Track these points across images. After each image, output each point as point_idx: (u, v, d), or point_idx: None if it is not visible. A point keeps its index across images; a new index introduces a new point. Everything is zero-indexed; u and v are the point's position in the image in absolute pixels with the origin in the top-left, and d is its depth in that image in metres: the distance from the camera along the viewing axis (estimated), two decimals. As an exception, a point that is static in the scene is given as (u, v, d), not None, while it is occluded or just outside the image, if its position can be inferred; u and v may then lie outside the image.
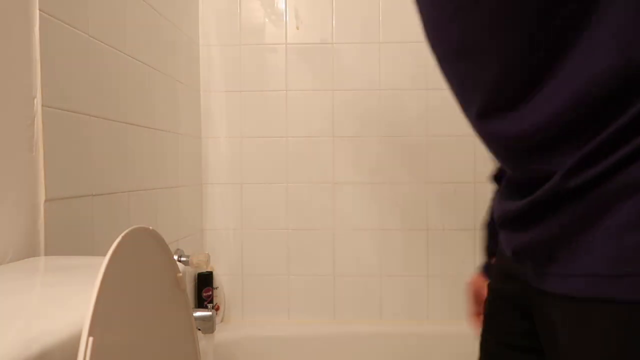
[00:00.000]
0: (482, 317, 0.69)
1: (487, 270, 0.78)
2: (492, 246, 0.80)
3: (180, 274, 0.63)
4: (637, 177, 0.41)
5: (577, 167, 0.43)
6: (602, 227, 0.42)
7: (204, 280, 1.61)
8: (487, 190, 1.76)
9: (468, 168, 1.64)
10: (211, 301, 1.63)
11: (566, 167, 0.44)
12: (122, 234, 0.47)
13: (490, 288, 0.68)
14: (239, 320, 1.71)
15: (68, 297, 0.54)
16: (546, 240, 0.47)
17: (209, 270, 1.62)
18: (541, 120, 0.44)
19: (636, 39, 0.40)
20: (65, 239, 0.88)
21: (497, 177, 0.76)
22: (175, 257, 1.39)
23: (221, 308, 1.68)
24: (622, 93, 0.41)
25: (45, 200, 0.83)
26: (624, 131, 0.41)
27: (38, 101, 0.81)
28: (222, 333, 1.59)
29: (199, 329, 1.36)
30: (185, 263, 1.39)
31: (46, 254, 0.83)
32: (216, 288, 1.65)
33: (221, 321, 1.69)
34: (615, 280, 0.41)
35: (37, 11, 0.81)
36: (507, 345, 0.63)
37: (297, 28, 1.67)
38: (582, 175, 0.43)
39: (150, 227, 0.54)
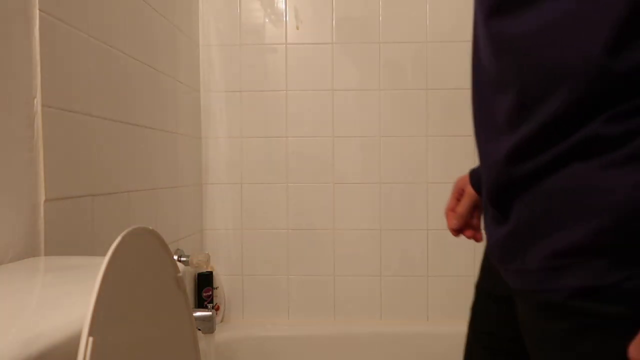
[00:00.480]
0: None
1: (473, 174, 0.77)
2: None
3: (180, 274, 0.63)
4: (581, 178, 0.42)
5: (517, 155, 0.46)
6: (542, 226, 0.45)
7: (204, 280, 1.61)
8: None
9: (468, 168, 1.64)
10: (211, 301, 1.63)
11: (506, 151, 0.46)
12: (122, 234, 0.47)
13: (476, 287, 0.71)
14: (239, 320, 1.71)
15: (68, 297, 0.54)
16: (503, 236, 0.50)
17: (209, 270, 1.62)
18: (540, 23, 0.44)
19: None
20: (65, 239, 0.88)
21: None
22: (175, 257, 1.39)
23: (221, 308, 1.68)
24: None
25: (45, 200, 0.83)
26: (571, 119, 0.42)
27: (38, 101, 0.81)
28: (222, 333, 1.59)
29: (199, 329, 1.36)
30: (185, 263, 1.40)
31: (46, 254, 0.83)
32: (216, 288, 1.65)
33: (221, 321, 1.69)
34: (549, 275, 0.44)
35: (37, 11, 0.81)
36: (483, 341, 0.67)
37: (297, 28, 1.67)
38: (524, 167, 0.45)
39: (150, 227, 0.54)
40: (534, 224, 0.45)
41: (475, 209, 0.74)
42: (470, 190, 0.74)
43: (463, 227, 0.74)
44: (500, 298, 0.60)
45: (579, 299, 0.42)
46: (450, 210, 0.76)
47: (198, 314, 1.36)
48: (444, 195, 1.64)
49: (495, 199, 0.50)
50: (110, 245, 0.45)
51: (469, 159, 1.64)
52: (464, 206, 0.74)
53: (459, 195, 0.76)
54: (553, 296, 0.44)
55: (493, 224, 0.53)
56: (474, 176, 0.75)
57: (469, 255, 1.65)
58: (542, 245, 0.44)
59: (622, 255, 0.40)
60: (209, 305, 1.62)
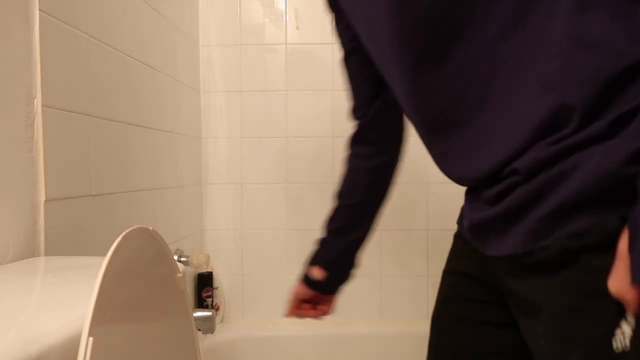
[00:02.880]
0: (439, 299, 0.78)
1: (303, 276, 0.92)
2: (315, 257, 0.92)
3: (180, 274, 0.63)
4: (562, 172, 0.48)
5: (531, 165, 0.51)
6: (534, 207, 0.50)
7: (204, 280, 1.61)
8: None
9: (468, 168, 1.64)
10: (211, 301, 1.63)
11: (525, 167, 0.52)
12: (122, 234, 0.47)
13: (447, 272, 0.75)
14: (239, 320, 1.71)
15: (68, 297, 0.54)
16: (499, 215, 0.54)
17: (209, 270, 1.62)
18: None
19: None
20: (65, 239, 0.88)
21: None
22: (175, 257, 1.39)
23: (221, 308, 1.68)
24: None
25: (45, 200, 0.83)
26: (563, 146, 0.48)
27: (38, 101, 0.81)
28: (222, 333, 1.59)
29: (199, 329, 1.36)
30: (185, 263, 1.40)
31: (46, 254, 0.83)
32: (216, 288, 1.65)
33: (221, 321, 1.69)
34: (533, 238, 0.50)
35: (37, 11, 0.81)
36: (474, 320, 0.69)
37: (297, 28, 1.67)
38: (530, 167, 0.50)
39: (150, 228, 0.54)
40: (530, 199, 0.50)
41: (303, 301, 0.93)
42: (297, 294, 0.93)
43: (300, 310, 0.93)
44: (476, 275, 0.66)
45: (570, 246, 0.47)
46: (293, 313, 0.95)
47: (198, 314, 1.36)
48: (444, 195, 1.64)
49: (491, 184, 0.56)
50: (110, 245, 0.45)
51: (469, 159, 1.64)
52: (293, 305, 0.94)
53: (297, 303, 0.95)
54: (549, 249, 0.49)
55: (483, 205, 0.58)
56: (303, 276, 0.93)
57: (469, 255, 1.65)
58: (536, 210, 0.50)
59: (600, 205, 0.46)
60: (209, 305, 1.62)
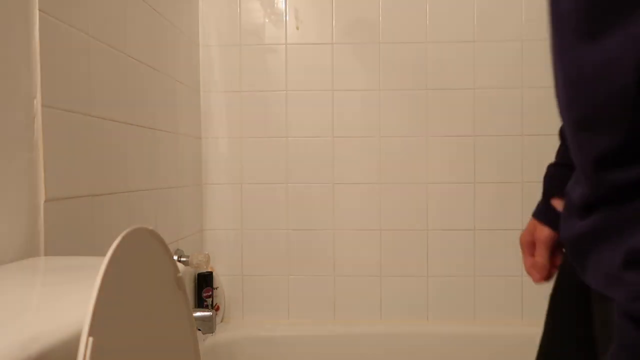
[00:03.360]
0: (551, 297, 0.67)
1: (543, 214, 0.71)
2: (553, 186, 0.69)
3: (180, 274, 0.63)
4: None
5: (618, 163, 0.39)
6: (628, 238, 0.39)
7: (204, 280, 1.61)
8: (487, 191, 1.76)
9: (468, 168, 1.64)
10: (211, 301, 1.63)
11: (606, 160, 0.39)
12: (122, 234, 0.47)
13: (560, 271, 0.66)
14: (239, 320, 1.71)
15: (68, 297, 0.54)
16: (586, 232, 0.45)
17: (208, 270, 1.62)
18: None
19: None
20: (65, 239, 0.88)
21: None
22: (175, 257, 1.39)
23: (221, 308, 1.68)
24: None
25: (45, 200, 0.83)
26: None
27: (38, 101, 0.81)
28: (222, 333, 1.59)
29: (199, 329, 1.36)
30: (185, 263, 1.40)
31: (46, 254, 0.83)
32: (216, 288, 1.65)
33: (221, 321, 1.69)
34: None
35: (37, 11, 0.81)
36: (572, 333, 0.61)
37: (297, 28, 1.67)
38: (624, 175, 0.39)
39: (150, 227, 0.54)
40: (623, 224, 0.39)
41: (554, 250, 0.70)
42: (541, 237, 0.70)
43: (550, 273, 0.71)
44: (577, 286, 0.55)
45: None
46: (531, 267, 0.72)
47: (198, 314, 1.36)
48: (444, 195, 1.64)
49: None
50: (110, 245, 0.45)
51: (469, 158, 1.64)
52: (542, 256, 0.69)
53: (530, 250, 0.72)
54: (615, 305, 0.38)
55: (575, 215, 0.47)
56: (543, 214, 0.71)
57: (468, 256, 1.65)
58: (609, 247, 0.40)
59: None
60: (209, 305, 1.62)
